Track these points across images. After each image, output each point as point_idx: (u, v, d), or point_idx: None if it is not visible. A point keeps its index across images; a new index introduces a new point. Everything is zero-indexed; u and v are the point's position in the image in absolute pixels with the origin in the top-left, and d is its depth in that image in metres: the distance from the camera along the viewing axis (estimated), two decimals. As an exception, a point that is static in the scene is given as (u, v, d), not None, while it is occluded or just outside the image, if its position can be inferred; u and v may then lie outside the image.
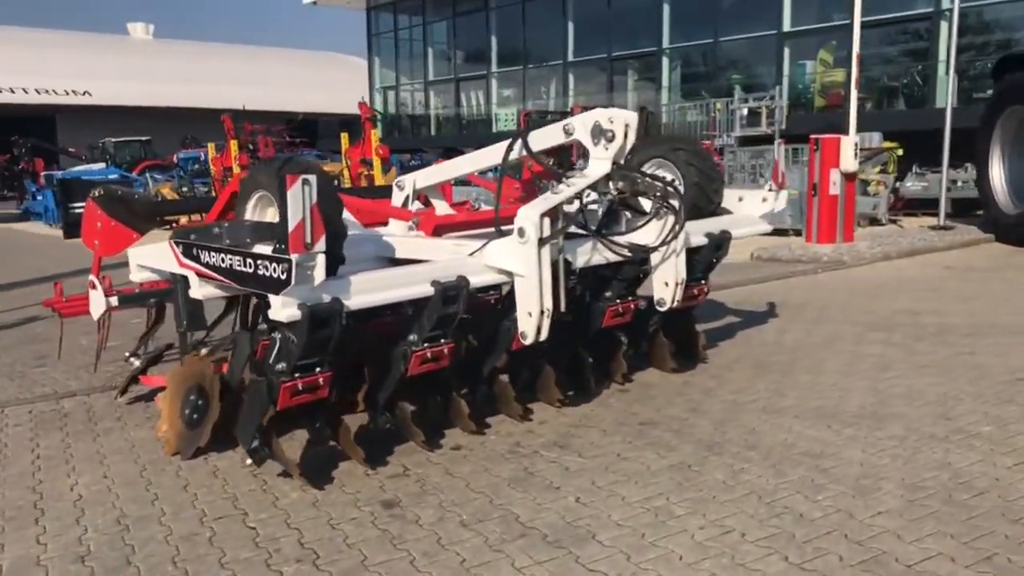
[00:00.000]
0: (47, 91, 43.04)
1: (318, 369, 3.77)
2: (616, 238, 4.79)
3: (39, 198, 23.30)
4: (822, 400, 5.15)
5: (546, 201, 4.25)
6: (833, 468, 4.12)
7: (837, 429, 4.65)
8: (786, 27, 26.00)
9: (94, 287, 5.25)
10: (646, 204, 4.91)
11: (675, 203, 4.69)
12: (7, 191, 32.94)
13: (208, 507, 3.99)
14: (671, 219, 4.72)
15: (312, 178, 3.42)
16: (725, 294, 8.53)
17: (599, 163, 4.43)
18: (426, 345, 4.12)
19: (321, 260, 3.48)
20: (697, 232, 5.26)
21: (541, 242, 4.13)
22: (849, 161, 10.94)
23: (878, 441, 4.45)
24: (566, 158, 4.81)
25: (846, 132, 11.17)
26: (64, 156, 35.59)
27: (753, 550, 3.37)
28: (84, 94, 43.88)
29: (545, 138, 4.63)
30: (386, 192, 5.65)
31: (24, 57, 43.30)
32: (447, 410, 4.67)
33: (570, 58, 32.30)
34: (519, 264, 4.17)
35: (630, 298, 5.00)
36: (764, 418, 4.88)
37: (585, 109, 20.79)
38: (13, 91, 42.27)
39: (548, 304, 4.22)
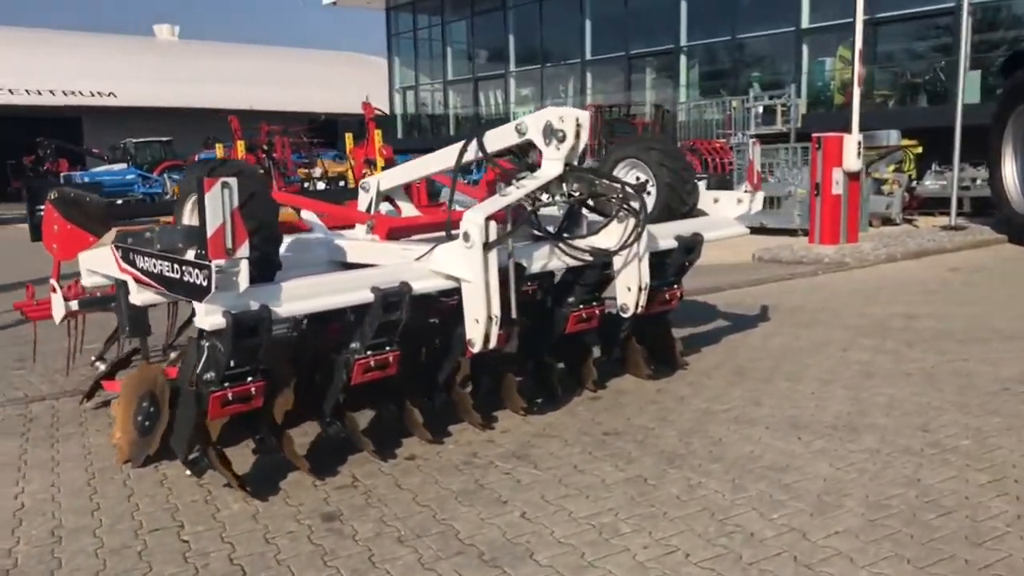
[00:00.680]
0: (73, 93, 43.49)
1: (250, 379, 3.65)
2: (576, 242, 4.63)
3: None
4: (797, 409, 4.95)
5: (493, 204, 4.10)
6: (795, 483, 3.94)
7: (807, 441, 4.46)
8: (805, 24, 25.62)
9: (54, 291, 5.18)
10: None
11: (635, 205, 4.52)
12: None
13: (146, 518, 3.88)
14: (631, 222, 4.55)
15: (232, 181, 3.30)
16: (718, 297, 8.34)
17: (551, 164, 4.28)
18: (369, 353, 3.98)
19: (245, 266, 3.36)
20: (667, 235, 5.08)
21: (487, 246, 3.98)
22: (852, 160, 10.66)
23: (848, 454, 4.25)
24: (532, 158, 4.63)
25: (854, 130, 10.88)
26: (89, 157, 35.98)
27: (694, 572, 3.20)
28: (109, 95, 44.30)
29: (499, 138, 4.48)
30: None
31: (51, 60, 43.79)
32: (402, 419, 4.54)
33: (588, 56, 32.09)
34: (465, 269, 4.02)
35: (594, 303, 4.82)
36: (734, 428, 4.70)
37: (599, 108, 20.60)
38: (40, 93, 42.76)
39: (496, 311, 4.07)
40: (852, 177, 10.87)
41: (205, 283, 3.31)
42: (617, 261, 4.69)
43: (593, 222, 4.79)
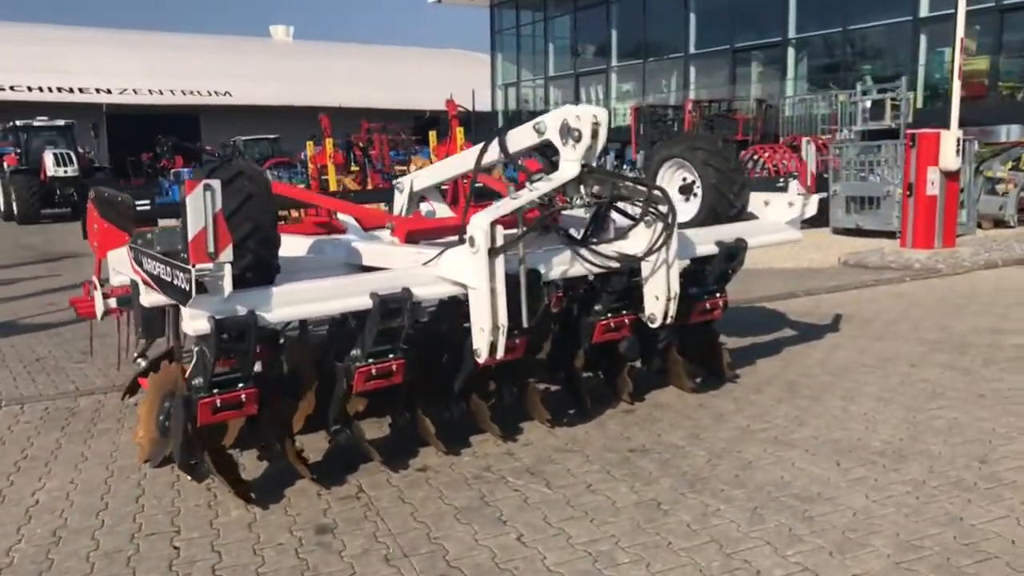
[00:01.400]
0: (191, 92, 45.40)
1: (240, 385, 3.57)
2: (602, 247, 4.37)
3: (168, 194, 24.50)
4: (845, 431, 4.56)
5: (500, 208, 3.90)
6: (822, 516, 3.59)
7: (847, 467, 4.08)
8: (923, 12, 24.29)
9: (95, 288, 5.27)
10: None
11: (663, 209, 4.23)
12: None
13: (147, 521, 3.87)
14: (659, 226, 4.26)
15: (215, 184, 3.22)
16: (791, 304, 7.88)
17: (567, 165, 4.03)
18: (371, 361, 3.84)
19: (228, 270, 3.27)
20: (707, 240, 4.76)
21: (492, 252, 3.78)
22: (950, 158, 9.89)
23: (889, 485, 3.86)
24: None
25: (953, 125, 10.11)
26: (203, 154, 37.47)
27: (682, 613, 2.93)
28: (225, 94, 46.00)
29: (520, 138, 4.26)
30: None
31: (171, 61, 45.84)
32: (416, 428, 4.40)
33: (691, 50, 31.34)
34: (470, 275, 3.83)
35: (624, 312, 4.55)
36: (769, 450, 4.35)
37: (697, 104, 20.05)
38: (162, 92, 44.79)
39: (503, 320, 3.86)
40: (950, 177, 10.10)
41: (186, 287, 3.25)
42: (645, 268, 4.40)
43: (622, 226, 4.51)
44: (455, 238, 4.09)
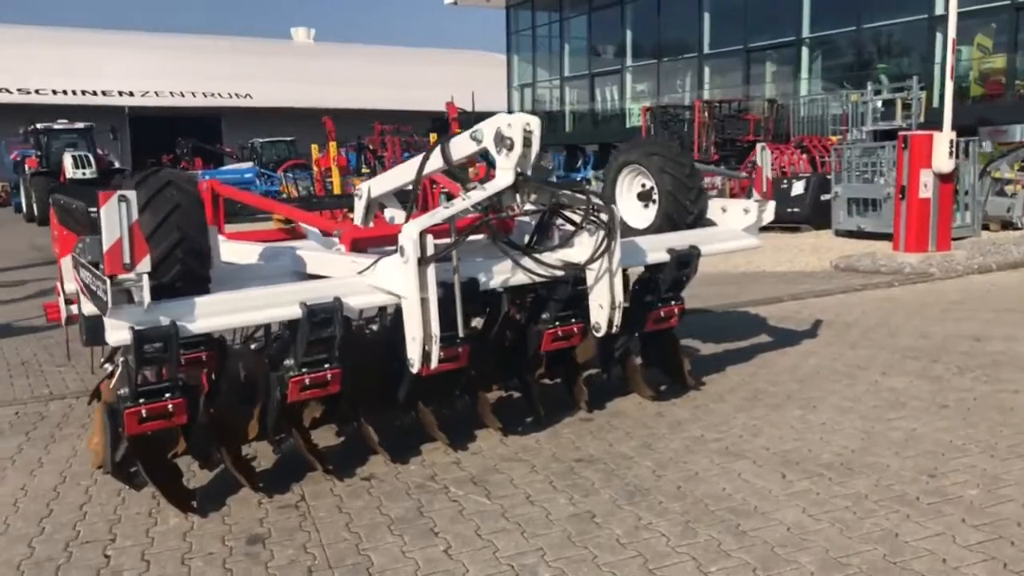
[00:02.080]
0: (213, 94, 45.88)
1: (167, 395, 3.57)
2: (545, 255, 4.33)
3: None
4: (797, 442, 4.49)
5: (432, 217, 3.87)
6: (754, 531, 3.54)
7: (791, 480, 4.02)
8: (939, 10, 23.89)
9: (58, 293, 5.31)
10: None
11: (604, 217, 4.19)
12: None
13: (86, 529, 3.90)
14: (600, 234, 4.21)
15: (130, 195, 3.22)
16: (774, 308, 7.79)
17: (501, 174, 4.00)
18: (304, 371, 3.84)
19: (146, 281, 3.28)
20: (658, 248, 4.70)
21: (422, 261, 3.76)
22: (942, 160, 9.72)
23: (830, 499, 3.79)
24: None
25: (946, 127, 9.93)
26: (223, 155, 37.81)
27: (590, 630, 2.89)
28: (245, 96, 46.46)
29: (460, 147, 4.23)
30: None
31: (192, 63, 46.34)
32: (361, 436, 4.39)
33: (706, 50, 31.14)
34: (401, 285, 3.81)
35: (573, 320, 4.51)
36: (717, 461, 4.30)
37: (708, 104, 19.89)
38: (184, 94, 45.31)
39: (435, 329, 3.83)
40: (944, 179, 9.92)
41: (104, 297, 3.26)
42: (589, 276, 4.36)
43: (565, 233, 4.47)
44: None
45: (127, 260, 3.22)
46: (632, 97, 34.18)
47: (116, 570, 3.51)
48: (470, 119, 20.91)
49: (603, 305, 4.35)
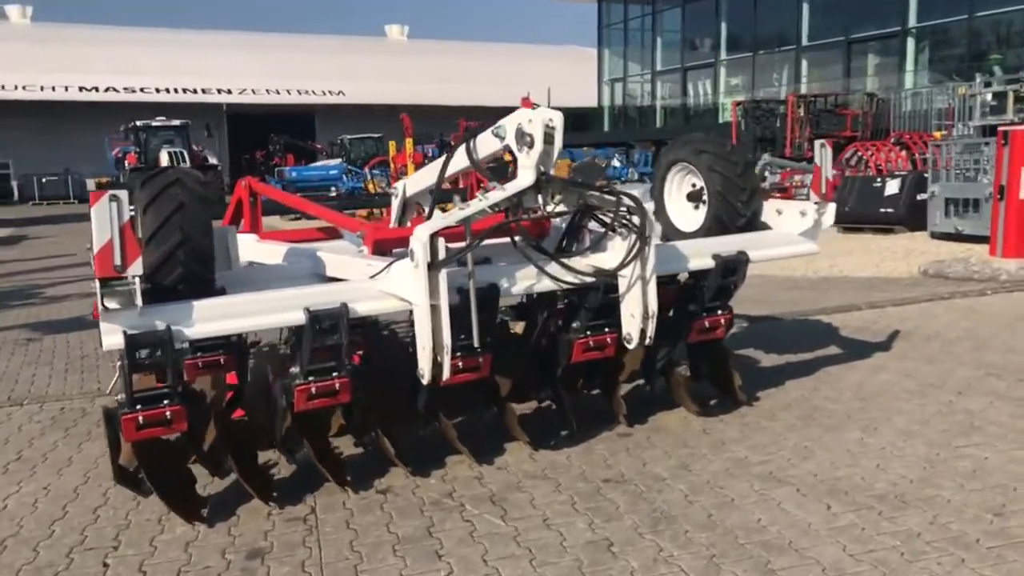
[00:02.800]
0: (307, 92, 46.84)
1: (165, 402, 3.45)
2: (574, 261, 4.03)
3: (271, 191, 25.21)
4: (850, 469, 4.08)
5: (445, 219, 3.64)
6: (785, 569, 3.19)
7: (836, 512, 3.64)
8: (1059, -5, 22.40)
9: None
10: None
11: (635, 220, 3.87)
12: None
13: (93, 534, 3.83)
14: (633, 238, 3.90)
15: (122, 195, 3.10)
16: (848, 317, 7.27)
17: (522, 172, 3.73)
18: (311, 379, 3.66)
19: (137, 284, 3.16)
20: (702, 253, 4.35)
21: (432, 266, 3.53)
22: (1047, 158, 8.93)
23: (876, 536, 3.40)
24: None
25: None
26: (315, 152, 38.55)
27: None
28: (338, 94, 47.26)
29: (485, 145, 3.98)
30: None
31: (288, 62, 47.42)
32: (379, 448, 4.20)
33: (804, 42, 30.03)
34: (410, 290, 3.59)
35: (607, 330, 4.20)
36: (757, 487, 3.94)
37: (802, 99, 19.09)
38: (279, 92, 46.40)
39: (447, 339, 3.60)
40: (1049, 178, 9.12)
41: (97, 300, 3.16)
42: (621, 284, 4.04)
43: (597, 237, 4.16)
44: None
45: (118, 262, 3.11)
46: (726, 91, 33.27)
47: (110, 580, 3.41)
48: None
49: (635, 315, 4.03)
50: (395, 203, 5.08)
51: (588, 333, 4.20)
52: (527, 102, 17.44)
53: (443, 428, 4.27)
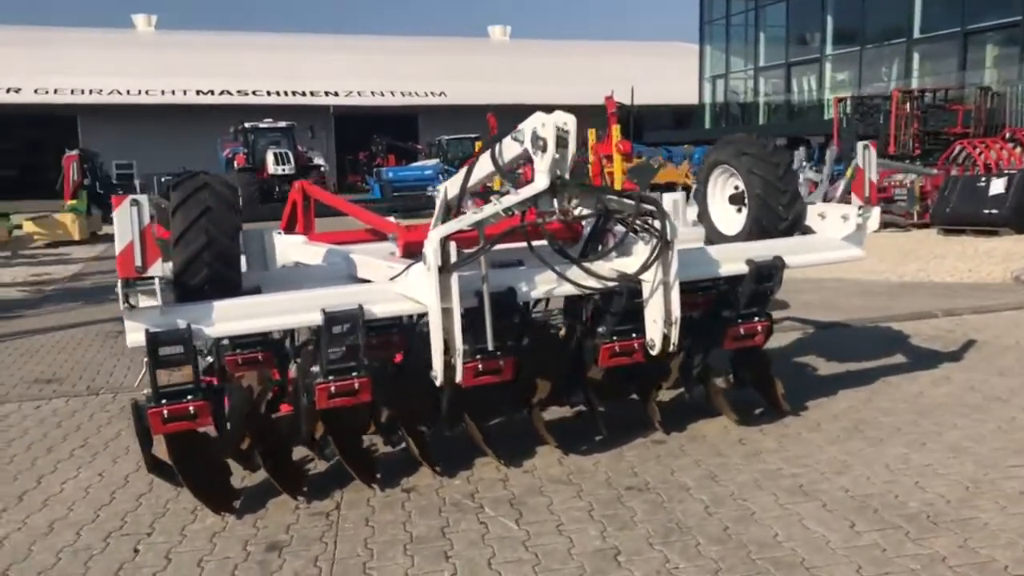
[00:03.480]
0: (410, 93, 47.66)
1: (189, 397, 3.60)
2: (596, 265, 3.99)
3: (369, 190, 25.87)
4: (887, 485, 3.90)
5: (458, 222, 3.65)
6: (792, 590, 3.08)
7: (860, 530, 3.49)
8: None
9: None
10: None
11: (656, 224, 3.80)
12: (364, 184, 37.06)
13: (132, 520, 4.03)
14: (654, 242, 3.82)
15: (142, 199, 3.26)
16: (922, 325, 6.94)
17: (537, 176, 3.71)
18: (331, 378, 3.75)
19: (157, 284, 3.31)
20: (734, 258, 4.23)
21: (444, 270, 3.56)
22: None
23: (896, 559, 3.25)
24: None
25: None
26: (415, 152, 39.22)
27: None
28: (440, 95, 47.89)
29: (507, 150, 3.97)
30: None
31: (392, 64, 48.33)
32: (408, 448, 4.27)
33: (916, 35, 28.67)
34: (424, 293, 3.63)
35: (635, 335, 4.14)
36: (782, 501, 3.81)
37: (908, 94, 18.28)
38: (383, 94, 47.35)
39: (458, 343, 3.62)
40: None
41: (120, 300, 3.33)
42: (644, 289, 3.97)
43: (622, 240, 4.10)
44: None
45: (139, 263, 3.27)
46: (831, 87, 32.12)
47: (138, 566, 3.58)
48: (629, 113, 20.41)
49: (656, 320, 3.96)
50: (438, 205, 5.12)
51: (615, 338, 4.15)
52: (610, 101, 17.26)
53: (469, 430, 4.30)
